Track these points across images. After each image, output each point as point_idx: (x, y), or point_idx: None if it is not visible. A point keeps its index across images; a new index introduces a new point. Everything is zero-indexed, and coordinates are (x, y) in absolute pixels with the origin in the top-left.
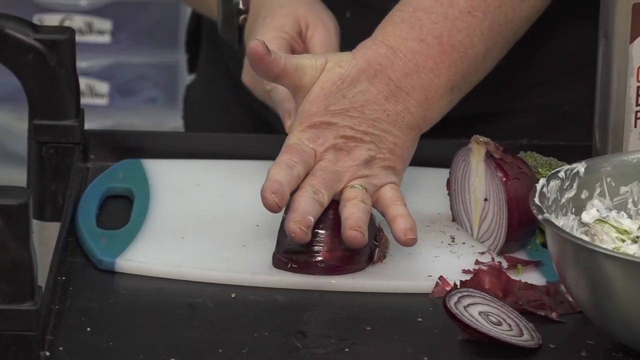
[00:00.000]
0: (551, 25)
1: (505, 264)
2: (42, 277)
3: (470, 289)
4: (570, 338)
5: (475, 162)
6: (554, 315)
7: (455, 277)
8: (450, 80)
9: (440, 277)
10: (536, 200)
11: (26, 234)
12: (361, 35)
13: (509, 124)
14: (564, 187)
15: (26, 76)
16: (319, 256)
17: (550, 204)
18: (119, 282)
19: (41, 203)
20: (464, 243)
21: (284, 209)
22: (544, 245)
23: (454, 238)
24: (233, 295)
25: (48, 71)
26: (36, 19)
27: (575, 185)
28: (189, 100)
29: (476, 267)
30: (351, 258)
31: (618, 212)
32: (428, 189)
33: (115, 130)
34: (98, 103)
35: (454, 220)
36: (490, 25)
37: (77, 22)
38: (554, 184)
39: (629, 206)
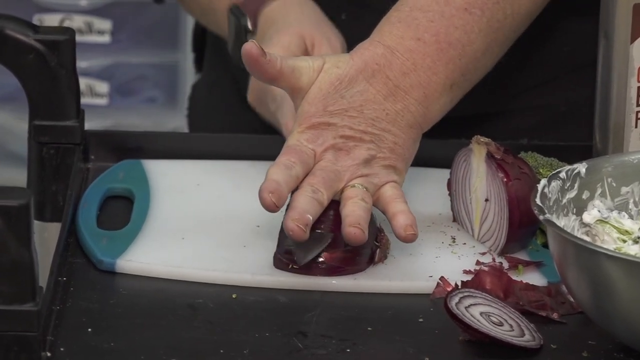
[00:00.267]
0: (551, 25)
1: (506, 265)
2: (42, 277)
3: (472, 290)
4: (571, 338)
5: (476, 163)
6: (555, 315)
7: (456, 277)
8: (449, 78)
9: (442, 278)
10: (537, 200)
11: (27, 235)
12: (357, 36)
13: (508, 124)
14: (565, 187)
15: (26, 77)
16: (320, 257)
17: (551, 204)
18: (120, 283)
19: (41, 204)
20: (464, 243)
21: (285, 209)
22: (545, 245)
23: (454, 238)
24: (234, 296)
25: (48, 72)
26: (36, 19)
27: (576, 185)
28: (194, 100)
29: (477, 267)
30: (352, 259)
31: (619, 213)
32: (429, 190)
33: (115, 130)
34: (98, 103)
35: (454, 220)
36: (488, 22)
37: (77, 22)
38: (555, 184)
39: (630, 206)
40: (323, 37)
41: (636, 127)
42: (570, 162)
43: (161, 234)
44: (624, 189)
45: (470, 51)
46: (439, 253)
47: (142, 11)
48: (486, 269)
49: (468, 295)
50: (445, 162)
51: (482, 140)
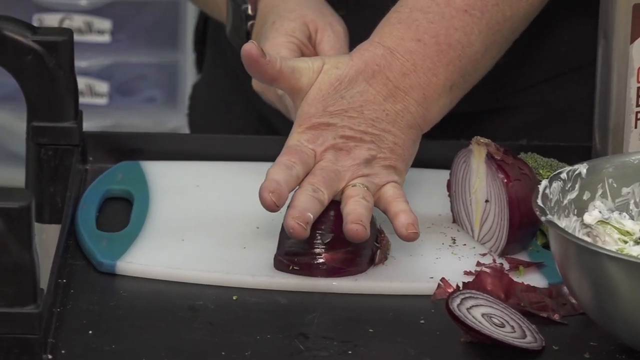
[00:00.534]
0: (550, 23)
1: (506, 266)
2: (42, 279)
3: (473, 291)
4: (573, 340)
5: (476, 164)
6: (556, 317)
7: (456, 278)
8: (448, 79)
9: (442, 279)
10: (539, 201)
11: (28, 237)
12: (356, 34)
13: (507, 122)
14: (566, 188)
15: (25, 78)
16: (321, 258)
17: (552, 205)
18: (120, 285)
19: (40, 205)
20: (465, 244)
21: (285, 210)
22: (545, 246)
23: (454, 239)
24: (234, 298)
25: (46, 73)
26: (36, 19)
27: (577, 186)
28: (194, 99)
29: (477, 268)
30: (352, 260)
31: (620, 213)
32: (428, 191)
33: (113, 132)
34: (98, 103)
35: (454, 221)
36: (488, 24)
37: (76, 21)
38: (556, 185)
39: (630, 207)
40: (326, 22)
41: (636, 127)
42: (570, 163)
43: (161, 235)
44: (624, 190)
45: (469, 52)
46: (439, 254)
47: (142, 11)
48: (487, 270)
49: (470, 297)
50: (444, 163)
51: (481, 141)
